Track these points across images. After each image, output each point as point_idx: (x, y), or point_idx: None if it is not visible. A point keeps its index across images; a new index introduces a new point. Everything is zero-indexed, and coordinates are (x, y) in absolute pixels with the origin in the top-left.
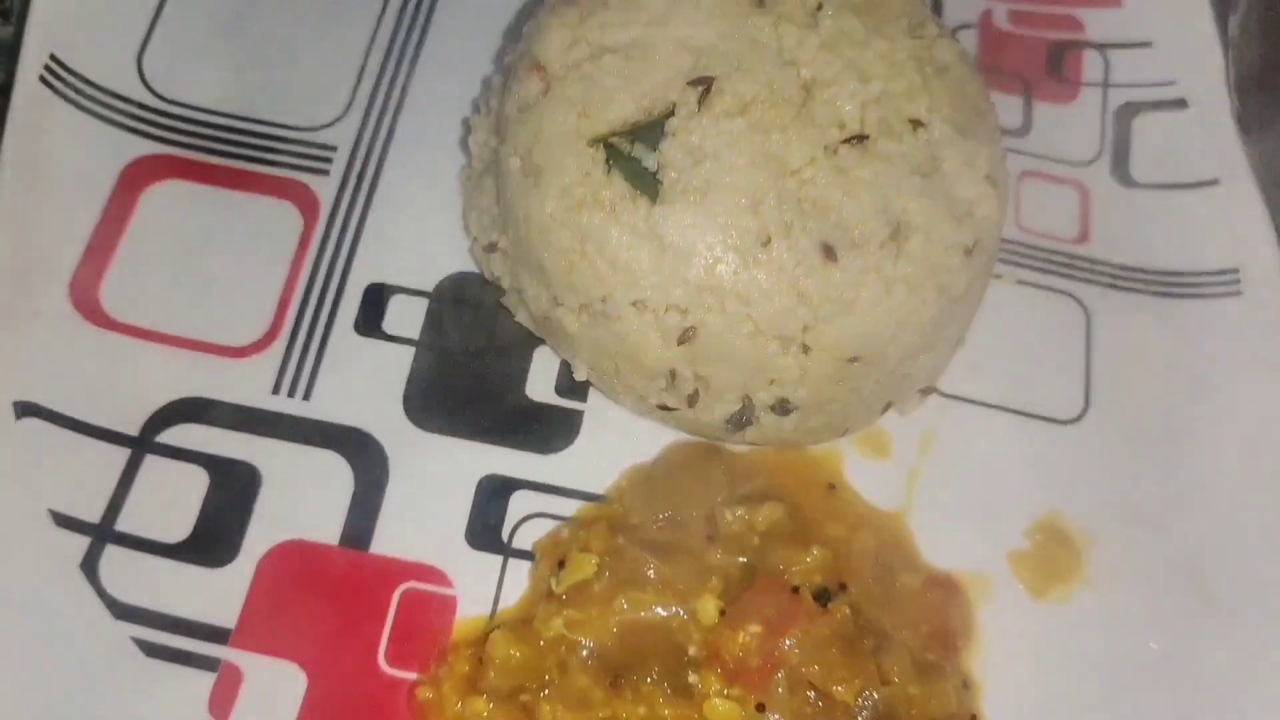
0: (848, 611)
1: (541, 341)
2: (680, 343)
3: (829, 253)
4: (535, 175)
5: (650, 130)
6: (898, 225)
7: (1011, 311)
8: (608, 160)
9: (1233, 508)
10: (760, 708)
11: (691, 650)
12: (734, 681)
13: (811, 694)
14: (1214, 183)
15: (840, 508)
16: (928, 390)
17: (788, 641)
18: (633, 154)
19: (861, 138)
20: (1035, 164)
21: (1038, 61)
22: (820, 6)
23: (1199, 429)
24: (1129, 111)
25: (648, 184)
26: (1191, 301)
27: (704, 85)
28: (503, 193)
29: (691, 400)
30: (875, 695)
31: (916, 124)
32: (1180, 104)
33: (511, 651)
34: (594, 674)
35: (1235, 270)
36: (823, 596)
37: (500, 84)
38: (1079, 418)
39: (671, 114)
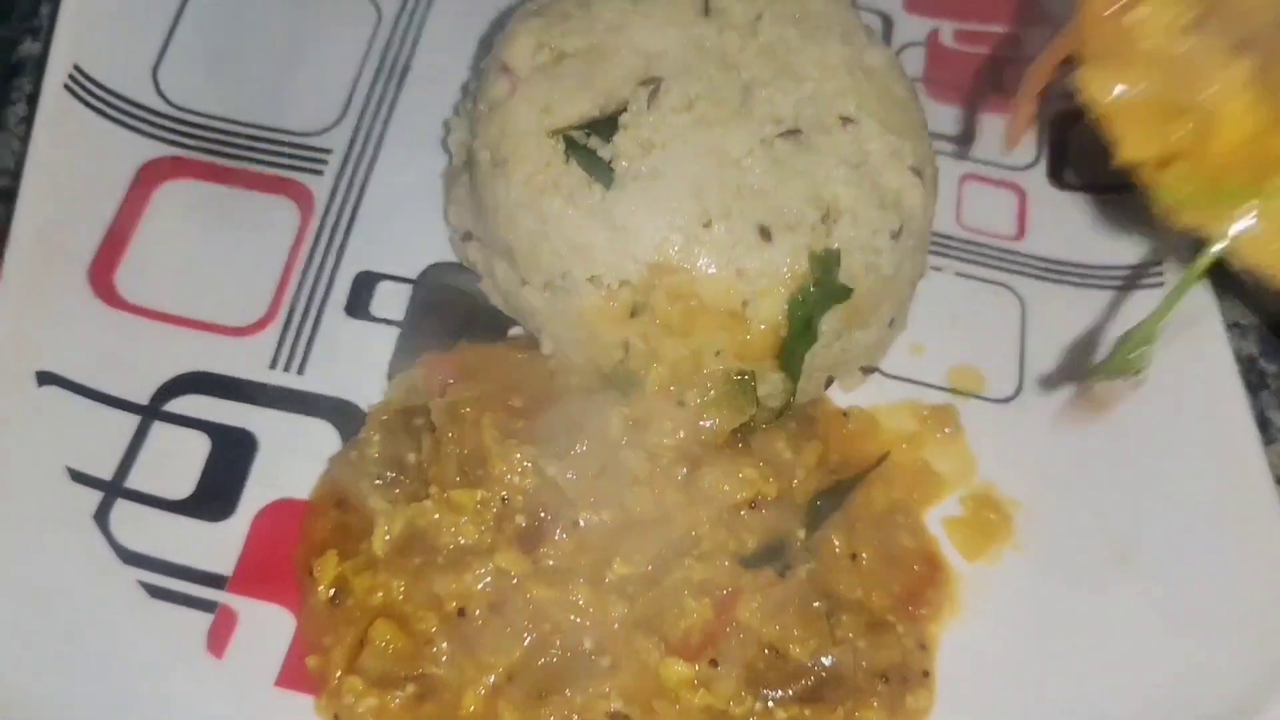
0: (803, 576)
1: (514, 322)
2: (632, 314)
3: (765, 233)
4: (502, 165)
5: (605, 124)
6: (827, 209)
7: (951, 301)
8: (566, 150)
9: (1151, 476)
10: (713, 663)
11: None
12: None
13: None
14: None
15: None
16: (869, 369)
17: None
18: (589, 145)
19: (795, 132)
20: (977, 169)
21: (980, 75)
22: (760, 17)
23: (1123, 406)
24: (1064, 120)
25: (602, 172)
26: (1118, 292)
27: (653, 84)
28: (475, 184)
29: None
30: (828, 655)
31: (846, 120)
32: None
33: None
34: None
35: (1159, 264)
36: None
37: (475, 88)
38: (1013, 397)
39: (624, 110)
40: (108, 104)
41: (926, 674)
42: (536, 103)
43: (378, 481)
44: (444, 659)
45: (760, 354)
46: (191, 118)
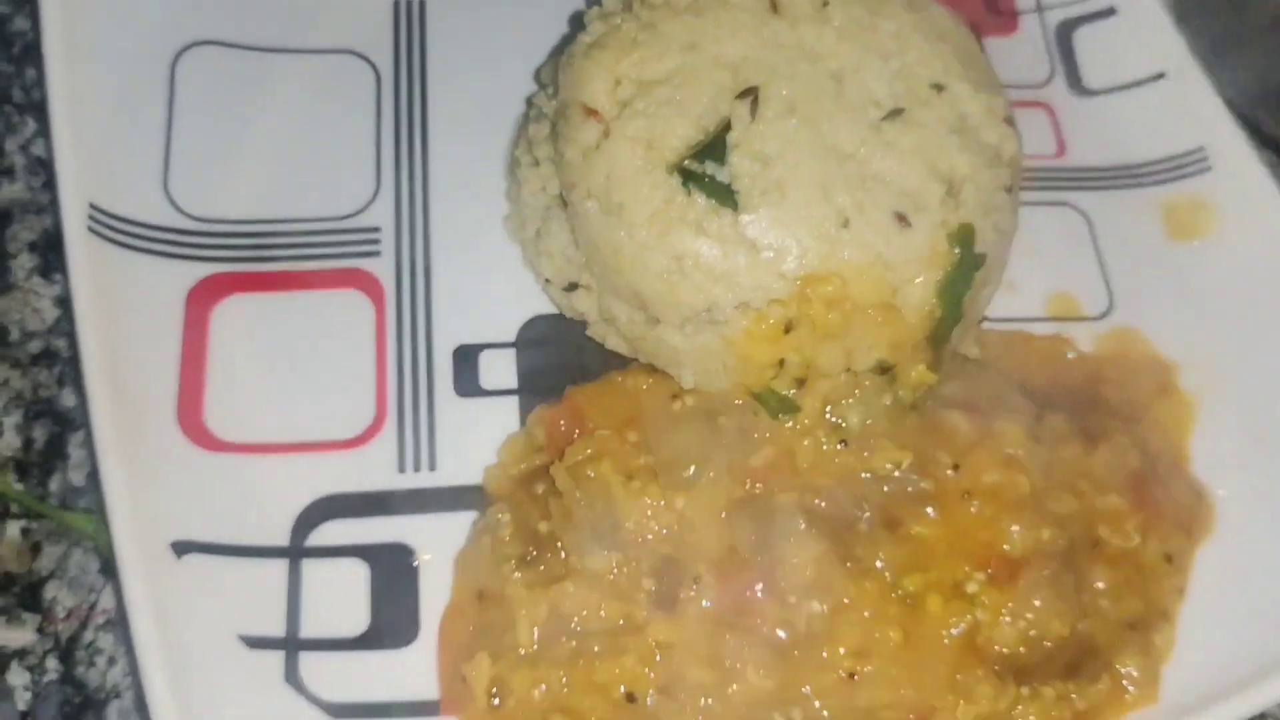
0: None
1: (631, 361)
2: (787, 331)
3: (902, 220)
4: (617, 212)
5: (714, 147)
6: (950, 181)
7: (1022, 233)
8: (684, 183)
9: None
10: None
11: None
12: None
13: None
14: (1161, 75)
15: None
16: (981, 320)
17: None
18: (705, 172)
19: (898, 111)
20: None
21: (975, 2)
22: (826, 3)
23: (1207, 291)
24: (1068, 28)
25: (726, 196)
26: (1171, 185)
27: (751, 94)
28: (582, 234)
29: (799, 382)
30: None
31: (938, 87)
32: (1110, 12)
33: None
34: None
35: (1202, 149)
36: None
37: (543, 133)
38: (1107, 312)
39: (729, 128)
40: (133, 235)
41: (1167, 614)
42: (637, 140)
43: (514, 564)
44: None
45: (914, 340)
46: (218, 228)
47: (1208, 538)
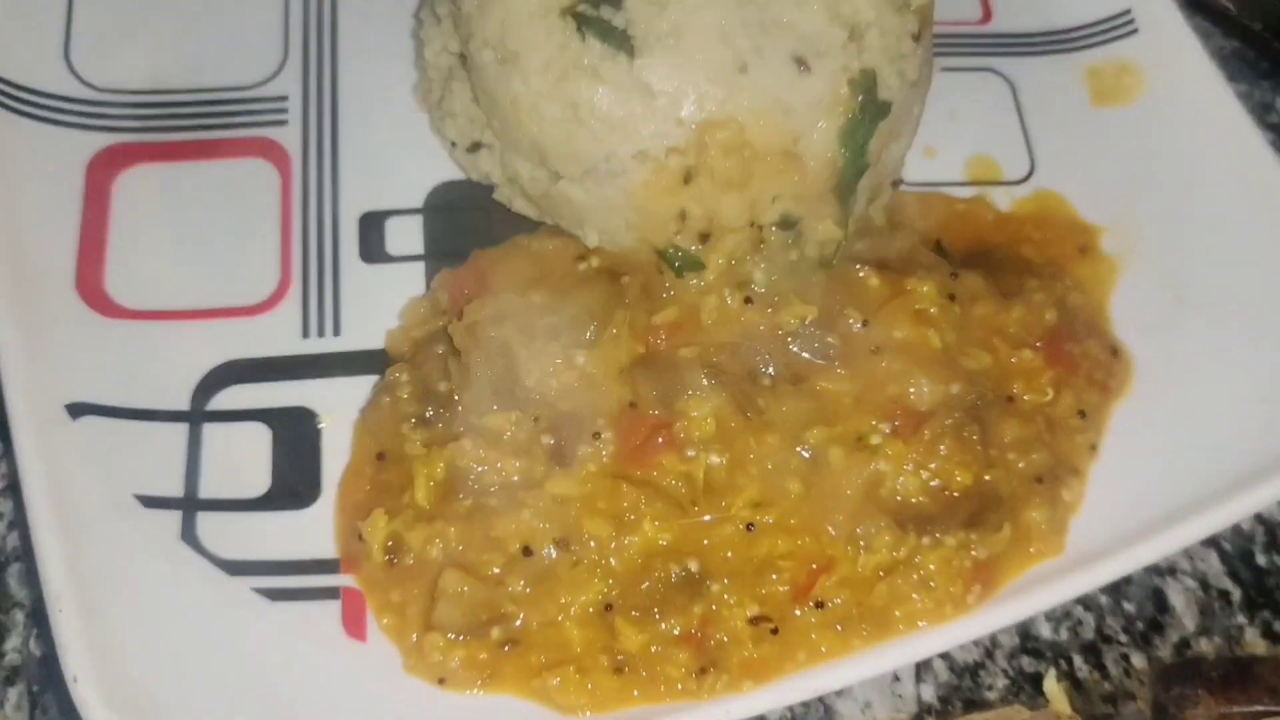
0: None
1: (539, 224)
2: (686, 181)
3: (801, 64)
4: (512, 60)
5: None
6: (852, 26)
7: (944, 97)
8: (579, 28)
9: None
10: None
11: None
12: None
13: None
14: None
15: None
16: (897, 182)
17: None
18: (600, 16)
19: None
20: None
21: None
22: None
23: (1130, 155)
24: None
25: (622, 41)
26: (1097, 49)
27: None
28: (480, 89)
29: (703, 237)
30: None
31: None
32: None
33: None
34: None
35: (1127, 10)
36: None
37: None
38: (1028, 176)
39: None
40: (31, 104)
41: (1077, 470)
42: None
43: (413, 423)
44: (524, 597)
45: (817, 190)
46: (122, 98)
47: (1124, 396)
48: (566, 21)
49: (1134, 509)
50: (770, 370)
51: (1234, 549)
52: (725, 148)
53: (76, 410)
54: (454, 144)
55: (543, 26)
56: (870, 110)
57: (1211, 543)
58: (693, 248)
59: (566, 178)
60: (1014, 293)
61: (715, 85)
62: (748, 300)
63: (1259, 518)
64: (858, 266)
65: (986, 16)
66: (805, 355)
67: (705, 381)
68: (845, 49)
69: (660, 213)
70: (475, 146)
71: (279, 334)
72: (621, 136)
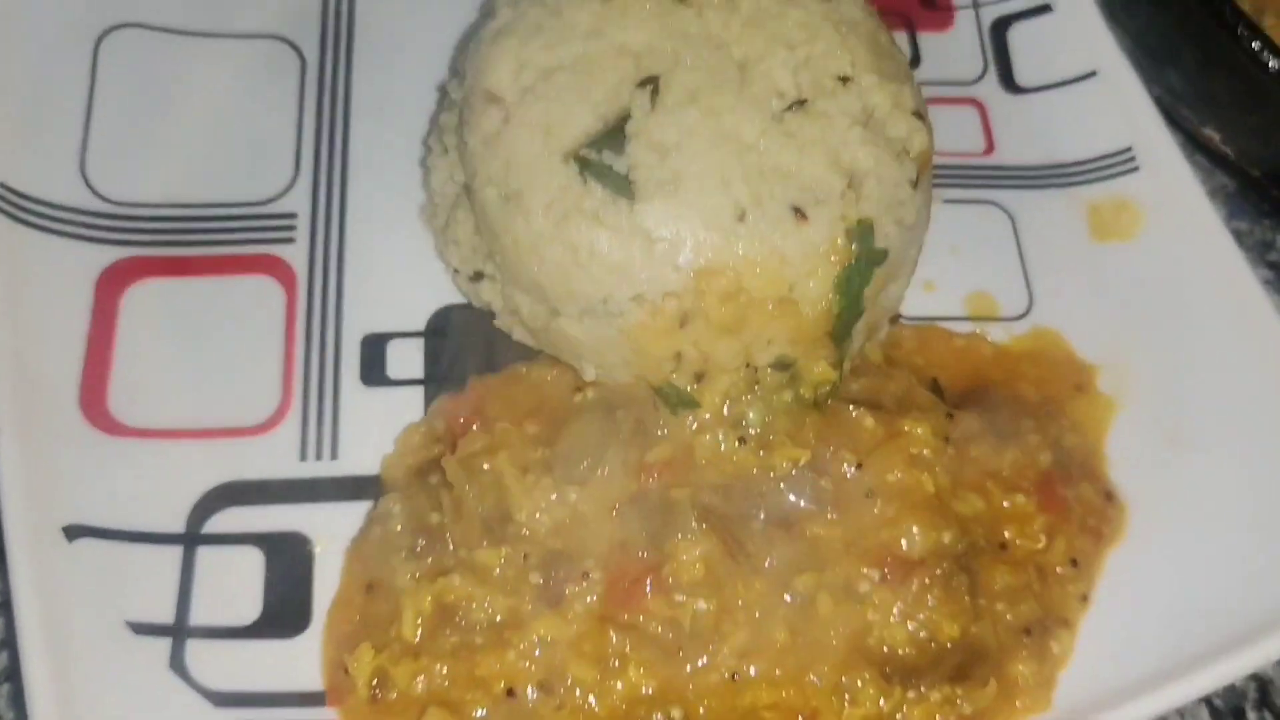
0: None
1: (539, 353)
2: (682, 325)
3: (799, 213)
4: (515, 200)
5: (613, 136)
6: (851, 174)
7: (945, 230)
8: (581, 172)
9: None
10: None
11: None
12: None
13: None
14: (1093, 74)
15: None
16: (895, 319)
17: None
18: (602, 161)
19: (801, 102)
20: (931, 91)
21: None
22: None
23: (1128, 293)
24: (1002, 25)
25: (623, 186)
26: (1097, 185)
27: (652, 83)
28: (483, 222)
29: (699, 377)
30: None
31: (844, 79)
32: (1045, 9)
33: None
34: None
35: (1129, 149)
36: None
37: (452, 121)
38: (1026, 312)
39: (629, 117)
40: (43, 215)
41: (1067, 622)
42: (536, 127)
43: (404, 555)
44: None
45: (813, 335)
46: (134, 211)
47: (1118, 542)
48: (570, 165)
49: (1125, 664)
50: (761, 514)
51: (1225, 705)
52: (721, 295)
53: (73, 532)
54: (457, 270)
55: (546, 168)
56: (867, 258)
57: (1203, 698)
58: (688, 387)
59: (565, 314)
60: (1010, 433)
61: (713, 232)
62: (741, 440)
63: (1252, 674)
64: (852, 407)
65: (989, 148)
66: (797, 499)
67: (696, 525)
68: (843, 198)
69: (656, 353)
70: (478, 276)
71: (277, 456)
72: (620, 280)
